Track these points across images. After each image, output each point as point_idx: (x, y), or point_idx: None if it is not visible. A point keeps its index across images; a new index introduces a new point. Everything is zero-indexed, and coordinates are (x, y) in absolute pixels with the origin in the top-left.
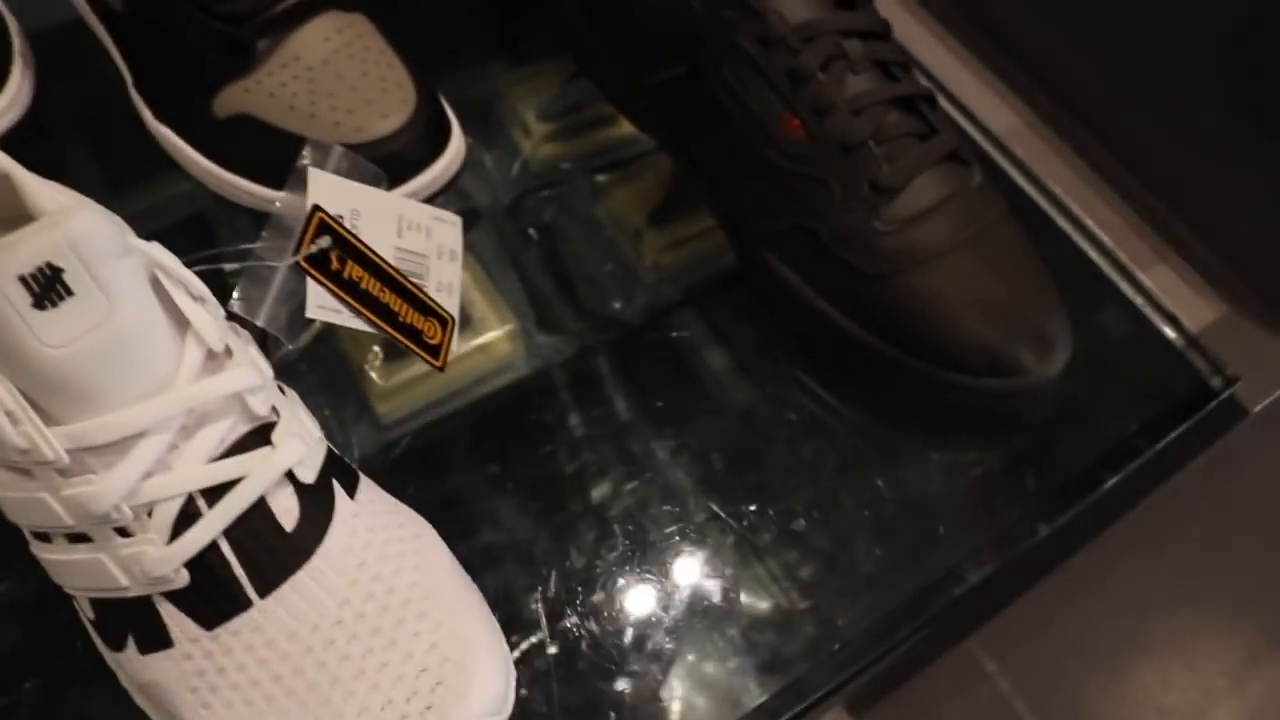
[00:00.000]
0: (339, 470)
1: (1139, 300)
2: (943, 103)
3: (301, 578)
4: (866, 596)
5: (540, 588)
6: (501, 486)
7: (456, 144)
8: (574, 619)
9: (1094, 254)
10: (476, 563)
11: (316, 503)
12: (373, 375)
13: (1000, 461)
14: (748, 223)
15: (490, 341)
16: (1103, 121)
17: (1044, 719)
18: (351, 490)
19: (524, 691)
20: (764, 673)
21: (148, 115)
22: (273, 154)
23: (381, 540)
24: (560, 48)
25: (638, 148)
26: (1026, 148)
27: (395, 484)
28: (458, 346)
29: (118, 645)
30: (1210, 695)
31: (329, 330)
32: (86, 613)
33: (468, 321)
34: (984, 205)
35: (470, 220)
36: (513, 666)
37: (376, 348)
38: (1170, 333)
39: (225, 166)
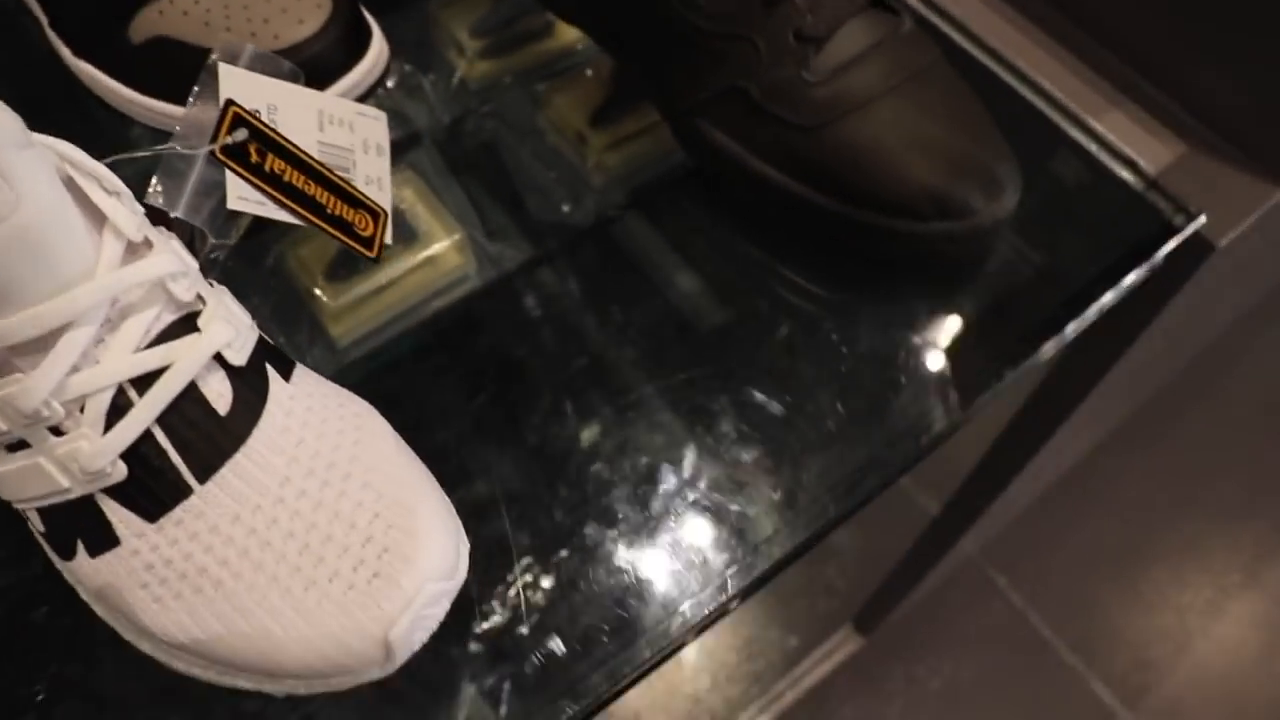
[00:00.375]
0: (273, 355)
1: (1094, 147)
2: None
3: (240, 460)
4: (830, 453)
5: (497, 472)
6: (464, 397)
7: (378, 47)
8: (534, 498)
9: (1042, 104)
10: (446, 475)
11: (249, 385)
12: (321, 296)
13: (960, 311)
14: (680, 95)
15: (439, 253)
16: None
17: (1059, 629)
18: (287, 374)
19: (483, 565)
20: (729, 535)
21: (66, 53)
22: (192, 74)
23: (320, 419)
24: None
25: (574, 58)
26: (962, 6)
27: None
28: (406, 262)
29: (68, 553)
30: (1225, 590)
31: (278, 259)
32: (37, 526)
33: (414, 236)
34: (916, 50)
35: (412, 142)
36: (463, 534)
37: (324, 269)
38: (1128, 176)
39: (147, 93)
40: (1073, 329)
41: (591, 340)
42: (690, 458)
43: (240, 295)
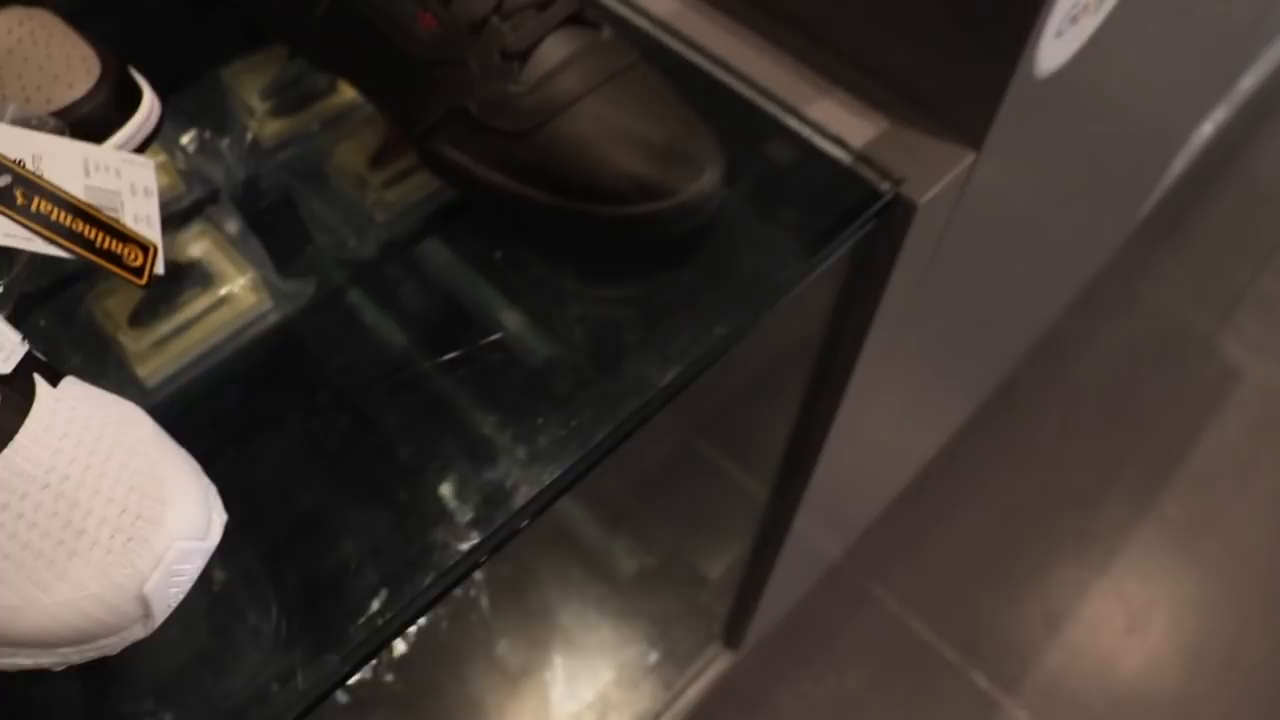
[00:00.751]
0: (42, 368)
1: (804, 130)
2: None
3: (8, 456)
4: (564, 414)
5: (294, 475)
6: (270, 421)
7: (148, 106)
8: (317, 489)
9: (757, 97)
10: (255, 487)
11: (17, 390)
12: (124, 341)
13: (685, 283)
14: (415, 122)
15: (233, 292)
16: None
17: (938, 628)
18: (54, 381)
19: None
20: (477, 494)
21: None
22: None
23: (85, 415)
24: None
25: (357, 111)
26: (686, 21)
27: None
28: (203, 302)
29: None
30: (1090, 567)
31: (87, 313)
32: None
33: (209, 280)
34: (614, 56)
35: (211, 199)
36: (218, 504)
37: (127, 316)
38: (839, 153)
39: None
40: (795, 291)
41: (371, 350)
42: (448, 434)
43: (54, 349)
